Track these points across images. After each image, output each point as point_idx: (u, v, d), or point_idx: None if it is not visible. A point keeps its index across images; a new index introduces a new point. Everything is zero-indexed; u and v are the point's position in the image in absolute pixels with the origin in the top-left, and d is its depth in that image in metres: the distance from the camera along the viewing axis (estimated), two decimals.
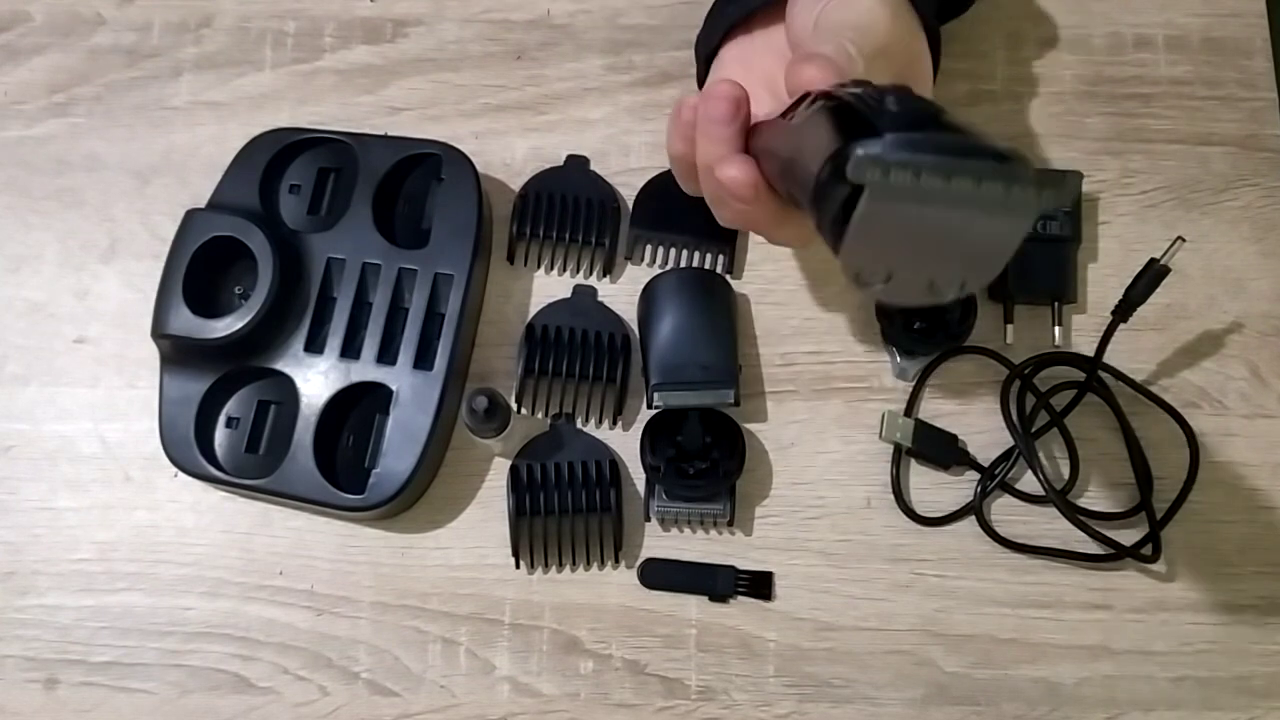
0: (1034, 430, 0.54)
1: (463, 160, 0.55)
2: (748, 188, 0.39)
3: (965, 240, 0.30)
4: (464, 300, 0.52)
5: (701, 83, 0.53)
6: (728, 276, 0.56)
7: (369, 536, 0.54)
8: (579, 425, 0.55)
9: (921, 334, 0.54)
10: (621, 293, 0.56)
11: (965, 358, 0.56)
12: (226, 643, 0.52)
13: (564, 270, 0.57)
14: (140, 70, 0.60)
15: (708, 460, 0.52)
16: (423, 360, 0.52)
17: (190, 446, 0.52)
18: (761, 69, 0.47)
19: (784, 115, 0.38)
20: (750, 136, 0.41)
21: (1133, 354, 0.55)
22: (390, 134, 0.57)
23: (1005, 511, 0.54)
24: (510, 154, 0.59)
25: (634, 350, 0.55)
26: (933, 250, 0.31)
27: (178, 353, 0.52)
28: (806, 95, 0.37)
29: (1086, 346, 0.55)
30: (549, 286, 0.57)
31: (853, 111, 0.32)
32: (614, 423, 0.55)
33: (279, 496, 0.52)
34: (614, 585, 0.53)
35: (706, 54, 0.51)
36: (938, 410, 0.55)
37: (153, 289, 0.52)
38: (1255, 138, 0.59)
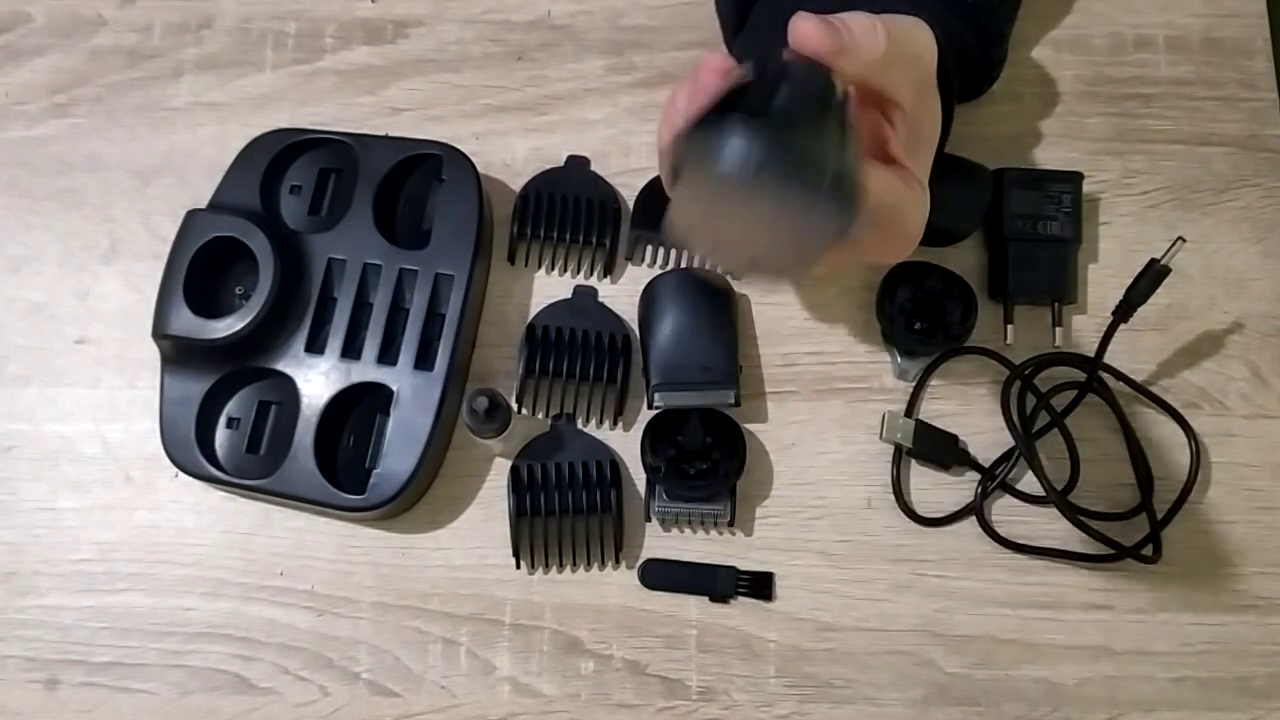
0: (1034, 430, 0.54)
1: (463, 161, 0.55)
2: None
3: (773, 235, 0.31)
4: (464, 301, 0.52)
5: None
6: (728, 277, 0.56)
7: (369, 537, 0.54)
8: (579, 425, 0.55)
9: (922, 334, 0.54)
10: (622, 293, 0.56)
11: (966, 358, 0.56)
12: (227, 643, 0.52)
13: (564, 270, 0.57)
14: (141, 71, 0.60)
15: (708, 461, 0.52)
16: (423, 361, 0.52)
17: (191, 447, 0.52)
18: None
19: None
20: None
21: (1133, 354, 0.55)
22: (391, 134, 0.57)
23: (1006, 512, 0.54)
24: (511, 154, 0.59)
25: (634, 351, 0.55)
26: (745, 233, 0.32)
27: (178, 353, 0.52)
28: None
29: (1087, 347, 0.55)
30: (549, 287, 0.57)
31: (734, 92, 0.32)
32: (614, 423, 0.55)
33: (280, 497, 0.52)
34: (615, 586, 0.53)
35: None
36: (938, 411, 0.55)
37: (154, 289, 0.52)
38: (1256, 138, 0.59)
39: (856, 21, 0.41)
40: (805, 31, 0.39)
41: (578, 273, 0.57)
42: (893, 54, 0.41)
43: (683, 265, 0.57)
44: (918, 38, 0.45)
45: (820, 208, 0.30)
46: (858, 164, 0.32)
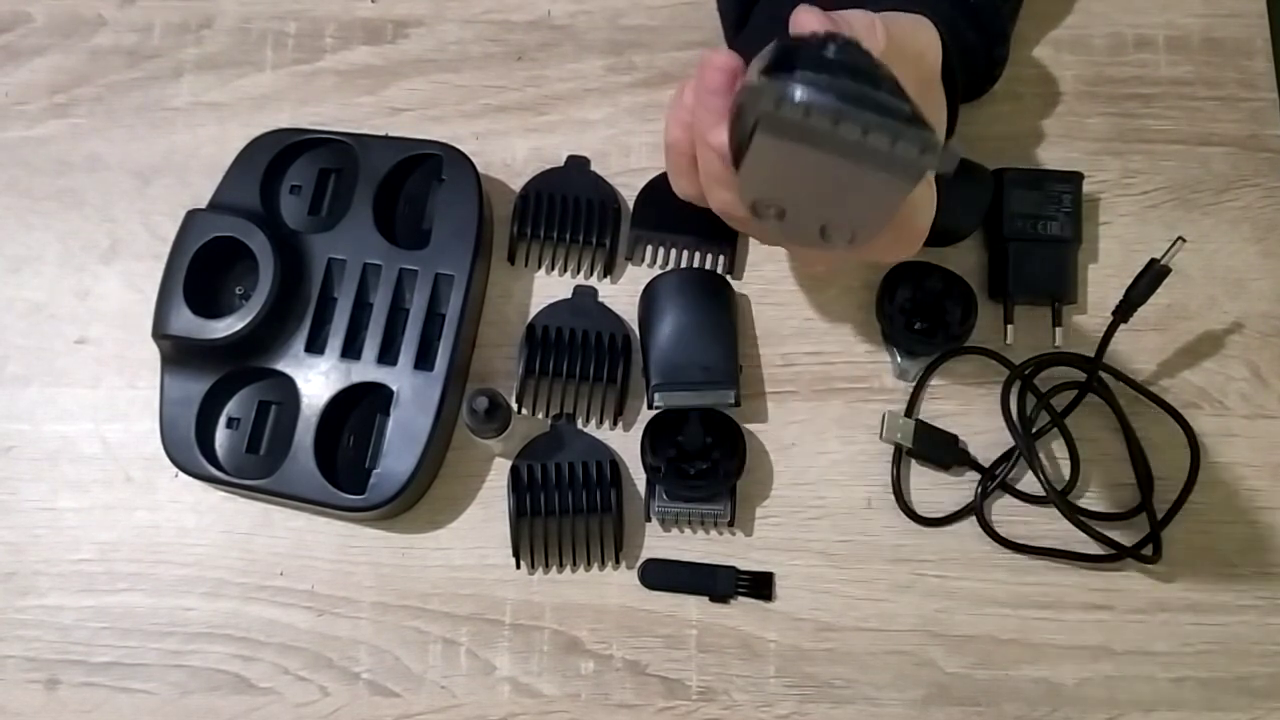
0: (1034, 430, 0.54)
1: (463, 161, 0.55)
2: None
3: (852, 189, 0.30)
4: (464, 301, 0.52)
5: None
6: (728, 277, 0.56)
7: (369, 537, 0.54)
8: (579, 425, 0.55)
9: (922, 334, 0.54)
10: (622, 293, 0.56)
11: (966, 358, 0.56)
12: (227, 643, 0.52)
13: (564, 270, 0.57)
14: (141, 71, 0.60)
15: (708, 461, 0.52)
16: (423, 361, 0.52)
17: (191, 447, 0.52)
18: None
19: None
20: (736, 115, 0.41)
21: (1133, 354, 0.55)
22: (391, 134, 0.57)
23: (1006, 512, 0.54)
24: (511, 154, 0.59)
25: (634, 351, 0.55)
26: (821, 193, 0.31)
27: (178, 353, 0.52)
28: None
29: (1087, 347, 0.55)
30: (549, 287, 0.57)
31: (788, 51, 0.32)
32: (614, 423, 0.55)
33: (280, 497, 0.52)
34: (614, 586, 0.53)
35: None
36: (938, 410, 0.55)
37: (154, 289, 0.52)
38: (1256, 138, 0.59)
39: (856, 18, 0.41)
40: (806, 23, 0.39)
41: (578, 273, 0.57)
42: (892, 51, 0.41)
43: (682, 265, 0.57)
44: (919, 35, 0.44)
45: (907, 140, 0.29)
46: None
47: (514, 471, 0.53)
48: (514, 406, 0.53)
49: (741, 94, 0.32)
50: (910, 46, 0.43)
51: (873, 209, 0.31)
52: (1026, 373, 0.54)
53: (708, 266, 0.57)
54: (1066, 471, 0.54)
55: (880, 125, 0.29)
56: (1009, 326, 0.56)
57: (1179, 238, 0.51)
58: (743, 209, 0.34)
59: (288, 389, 0.52)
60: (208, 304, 0.52)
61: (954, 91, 0.48)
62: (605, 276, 0.57)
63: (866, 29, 0.40)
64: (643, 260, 0.57)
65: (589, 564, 0.53)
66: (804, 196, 0.32)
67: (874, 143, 0.29)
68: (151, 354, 0.53)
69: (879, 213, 0.31)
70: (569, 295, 0.56)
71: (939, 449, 0.54)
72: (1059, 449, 0.54)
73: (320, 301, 0.53)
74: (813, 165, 0.29)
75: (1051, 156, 0.58)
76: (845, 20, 0.40)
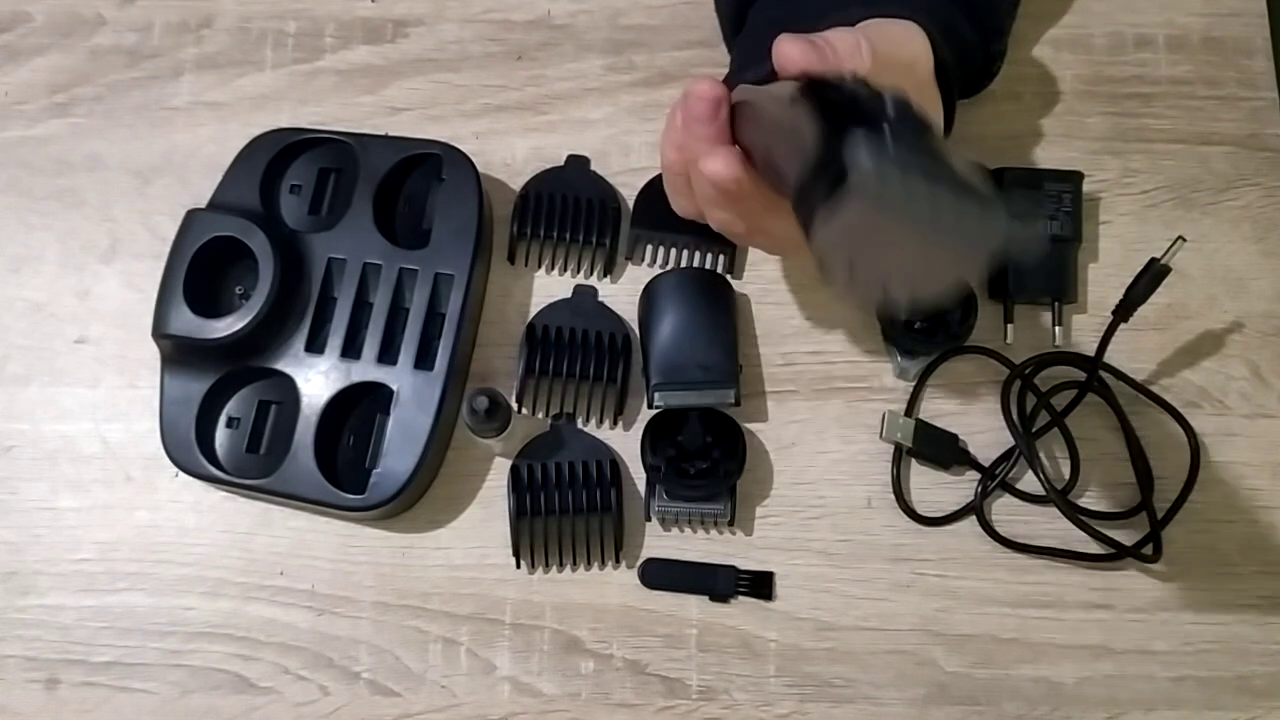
0: (1034, 430, 0.54)
1: (463, 160, 0.55)
2: (732, 180, 0.39)
3: (929, 250, 0.30)
4: (464, 300, 0.52)
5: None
6: (728, 276, 0.56)
7: (370, 536, 0.54)
8: (579, 425, 0.55)
9: (922, 334, 0.54)
10: (622, 293, 0.56)
11: (966, 358, 0.56)
12: (227, 643, 0.52)
13: (564, 270, 0.57)
14: (141, 70, 0.60)
15: (708, 460, 0.52)
16: (423, 360, 0.52)
17: (191, 446, 0.52)
18: None
19: (762, 86, 0.39)
20: (737, 119, 0.41)
21: (1133, 354, 0.55)
22: (391, 134, 0.57)
23: (1006, 511, 0.54)
24: (511, 154, 0.59)
25: (634, 350, 0.55)
26: (897, 252, 0.31)
27: (178, 353, 0.52)
28: (798, 80, 0.37)
29: (1087, 346, 0.55)
30: (549, 286, 0.57)
31: (853, 101, 0.31)
32: (614, 423, 0.55)
33: (280, 496, 0.52)
34: (615, 585, 0.53)
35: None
36: (938, 410, 0.55)
37: (154, 289, 0.52)
38: (1256, 137, 0.59)
39: (839, 39, 0.40)
40: (789, 53, 0.38)
41: (578, 272, 0.57)
42: (879, 66, 0.41)
43: (682, 265, 0.57)
44: (909, 44, 0.44)
45: (990, 208, 0.29)
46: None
47: (514, 471, 0.53)
48: (514, 406, 0.53)
49: (817, 151, 0.31)
50: (900, 57, 0.43)
51: (945, 271, 0.31)
52: (1026, 372, 0.54)
53: (708, 266, 0.57)
54: (1066, 471, 0.54)
55: (973, 193, 0.29)
56: (1009, 326, 0.56)
57: (1179, 237, 0.51)
58: (815, 261, 0.34)
59: (288, 389, 0.52)
60: (208, 304, 0.52)
61: (949, 92, 0.48)
62: (605, 276, 0.57)
63: (851, 48, 0.40)
64: (642, 260, 0.57)
65: (589, 563, 0.53)
66: (878, 255, 0.31)
67: (965, 208, 0.28)
68: (151, 354, 0.53)
69: (950, 275, 0.31)
70: (569, 295, 0.56)
71: (939, 448, 0.54)
72: (1059, 448, 0.54)
73: (320, 301, 0.53)
74: (897, 225, 0.29)
75: (1051, 156, 0.58)
76: (828, 41, 0.40)
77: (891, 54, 0.42)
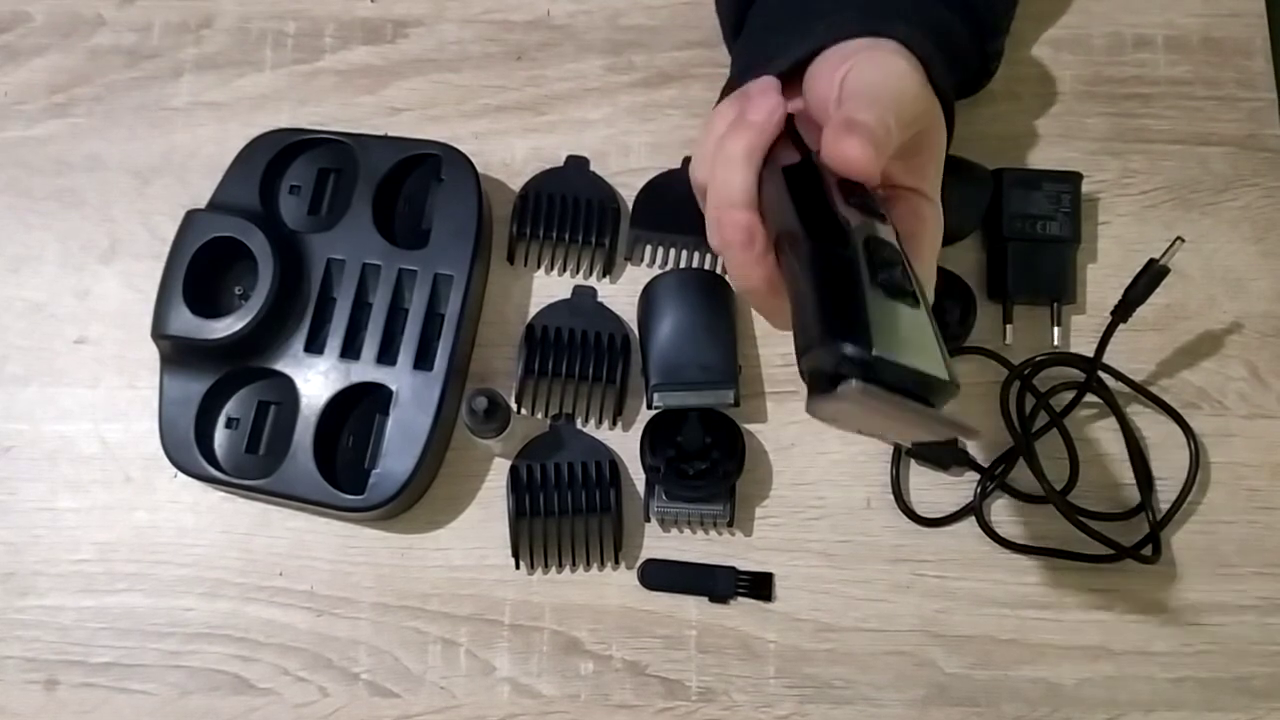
0: (1034, 430, 0.54)
1: (463, 161, 0.55)
2: (763, 284, 0.40)
3: (910, 426, 0.35)
4: (464, 300, 0.52)
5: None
6: (727, 277, 0.56)
7: (369, 537, 0.54)
8: (579, 426, 0.55)
9: None
10: (621, 293, 0.56)
11: (965, 358, 0.56)
12: (226, 644, 0.52)
13: (564, 270, 0.57)
14: (141, 71, 0.60)
15: (707, 461, 0.52)
16: (423, 361, 0.52)
17: (190, 447, 0.52)
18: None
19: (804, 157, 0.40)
20: (763, 185, 0.40)
21: (1132, 354, 0.55)
22: (390, 134, 0.57)
23: (1005, 512, 0.54)
24: (510, 154, 0.59)
25: (634, 351, 0.55)
26: (883, 425, 0.36)
27: (178, 353, 0.52)
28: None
29: (1086, 347, 0.55)
30: (549, 287, 0.57)
31: (854, 298, 0.35)
32: (614, 423, 0.55)
33: (279, 497, 0.52)
34: (614, 586, 0.53)
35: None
36: None
37: (153, 289, 0.52)
38: (1255, 138, 0.59)
39: (874, 115, 0.39)
40: (850, 153, 0.38)
41: (577, 273, 0.57)
42: (863, 102, 0.40)
43: (682, 265, 0.57)
44: (891, 78, 0.42)
45: (948, 395, 0.35)
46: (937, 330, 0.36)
47: (513, 471, 0.53)
48: (513, 406, 0.53)
49: (817, 354, 0.35)
50: (886, 92, 0.41)
51: (926, 434, 0.36)
52: (1026, 373, 0.54)
53: (707, 266, 0.57)
54: (1066, 471, 0.54)
55: (931, 401, 0.34)
56: (1008, 326, 0.56)
57: (1178, 238, 0.51)
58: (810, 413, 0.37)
59: (287, 389, 0.52)
60: (207, 304, 0.52)
61: (947, 103, 0.46)
62: (604, 276, 0.57)
63: (885, 130, 0.39)
64: (642, 260, 0.57)
65: (588, 564, 0.53)
66: (867, 425, 0.37)
67: (929, 409, 0.34)
68: (151, 354, 0.53)
69: (931, 435, 0.36)
70: (568, 295, 0.56)
71: (938, 449, 0.54)
72: (1058, 449, 0.54)
73: (320, 301, 0.53)
74: (879, 414, 0.34)
75: (1050, 156, 0.58)
76: (867, 124, 0.38)
77: (879, 89, 0.41)
